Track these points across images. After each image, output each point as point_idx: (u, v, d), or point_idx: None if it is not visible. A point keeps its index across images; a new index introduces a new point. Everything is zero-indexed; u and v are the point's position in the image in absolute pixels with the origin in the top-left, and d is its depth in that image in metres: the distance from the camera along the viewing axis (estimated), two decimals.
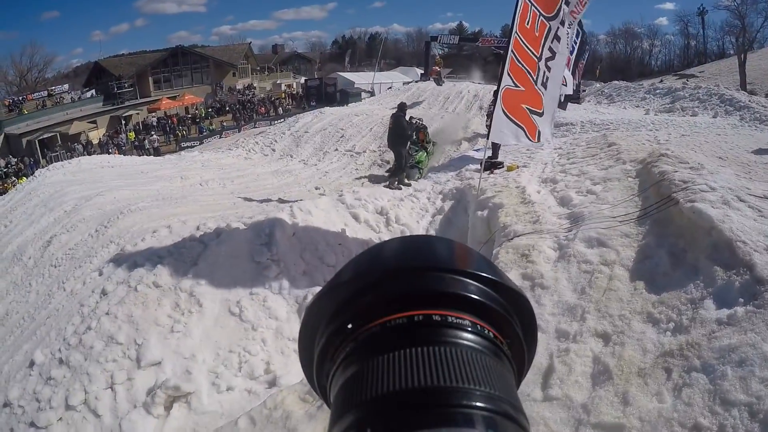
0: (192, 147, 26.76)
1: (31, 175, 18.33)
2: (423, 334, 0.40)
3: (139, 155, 23.19)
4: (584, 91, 25.69)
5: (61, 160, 20.15)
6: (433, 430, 0.32)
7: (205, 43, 45.99)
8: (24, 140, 32.39)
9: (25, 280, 8.75)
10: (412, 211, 8.60)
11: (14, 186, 19.16)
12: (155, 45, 46.41)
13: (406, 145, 10.48)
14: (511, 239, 5.24)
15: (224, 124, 33.84)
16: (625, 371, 2.97)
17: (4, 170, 28.78)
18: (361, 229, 8.05)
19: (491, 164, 8.80)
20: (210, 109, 37.60)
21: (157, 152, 26.51)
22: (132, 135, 32.96)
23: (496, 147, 9.30)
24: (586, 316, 3.52)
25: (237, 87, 42.26)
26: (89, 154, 24.29)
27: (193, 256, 7.01)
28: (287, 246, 7.23)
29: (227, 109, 37.50)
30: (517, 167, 8.72)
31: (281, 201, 10.62)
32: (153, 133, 32.11)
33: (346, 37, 66.15)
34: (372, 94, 32.20)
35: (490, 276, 0.45)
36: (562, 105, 11.08)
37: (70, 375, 5.64)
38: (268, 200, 11.03)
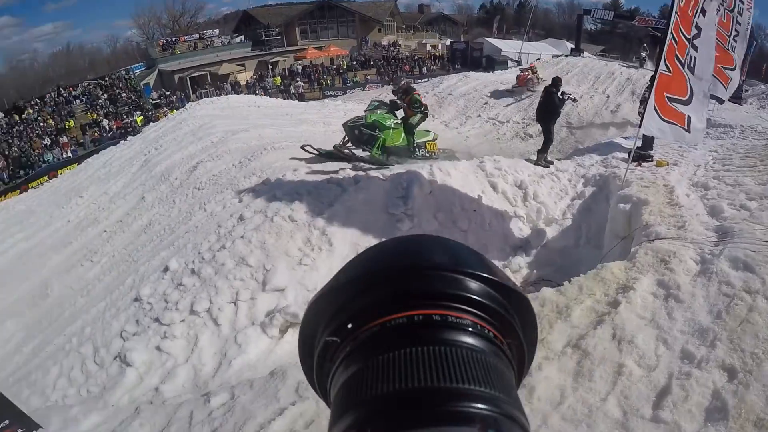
0: (335, 96, 28.22)
1: (182, 107, 20.33)
2: (423, 334, 0.41)
3: (284, 99, 24.62)
4: (747, 91, 23.19)
5: (210, 97, 22.05)
6: (434, 430, 0.34)
7: None
8: (176, 77, 35.88)
9: (170, 197, 9.89)
10: (551, 191, 8.42)
11: (166, 116, 21.32)
12: None
13: (555, 121, 10.18)
14: (652, 241, 5.02)
15: (368, 77, 34.97)
16: (742, 416, 2.79)
17: (157, 101, 32.16)
18: (497, 199, 8.04)
19: (640, 156, 8.35)
20: (354, 62, 38.84)
21: (301, 98, 27.95)
22: (278, 80, 35.08)
23: (649, 138, 8.77)
24: (716, 343, 3.31)
25: (382, 43, 43.21)
26: (237, 94, 26.21)
27: (330, 198, 7.49)
28: (422, 203, 7.44)
29: (371, 63, 38.43)
30: (667, 164, 8.28)
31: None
32: (298, 79, 33.99)
33: (495, 2, 64.24)
34: (519, 63, 31.23)
35: (490, 276, 0.46)
36: (718, 99, 10.00)
37: (200, 284, 6.39)
38: None
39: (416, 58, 39.66)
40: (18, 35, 45.04)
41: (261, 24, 41.00)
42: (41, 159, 25.53)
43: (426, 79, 27.20)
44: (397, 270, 0.46)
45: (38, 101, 33.61)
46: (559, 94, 9.76)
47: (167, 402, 4.53)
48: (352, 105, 19.40)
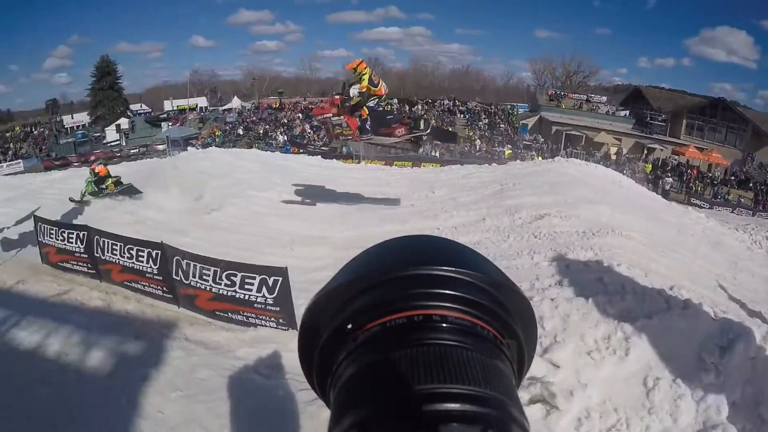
0: (700, 207, 26.06)
1: (550, 158, 21.44)
2: (423, 334, 0.42)
3: (648, 189, 23.78)
4: None
5: (578, 158, 22.76)
6: (434, 430, 0.35)
7: (748, 103, 42.20)
8: (554, 128, 37.78)
9: (507, 231, 10.93)
10: None
11: (532, 159, 22.71)
12: (696, 88, 45.74)
13: None
14: None
15: (741, 200, 31.32)
16: None
17: (528, 143, 34.86)
18: None
19: None
20: (732, 177, 35.00)
21: (665, 195, 26.54)
22: (649, 167, 34.11)
23: None
24: None
25: None
26: (605, 165, 26.31)
27: (649, 309, 7.16)
28: (739, 364, 6.48)
29: (750, 185, 33.85)
30: None
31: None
32: (669, 175, 32.33)
33: None
34: None
35: (490, 276, 0.47)
36: None
37: None
38: (744, 306, 10.05)
39: None
40: (428, 45, 53.15)
41: (649, 105, 40.30)
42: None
43: None
44: (397, 271, 0.47)
45: (429, 102, 38.98)
46: None
47: None
48: (714, 223, 17.65)
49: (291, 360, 6.10)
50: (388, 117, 11.31)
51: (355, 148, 27.00)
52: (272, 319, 7.21)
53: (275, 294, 7.09)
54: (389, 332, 0.43)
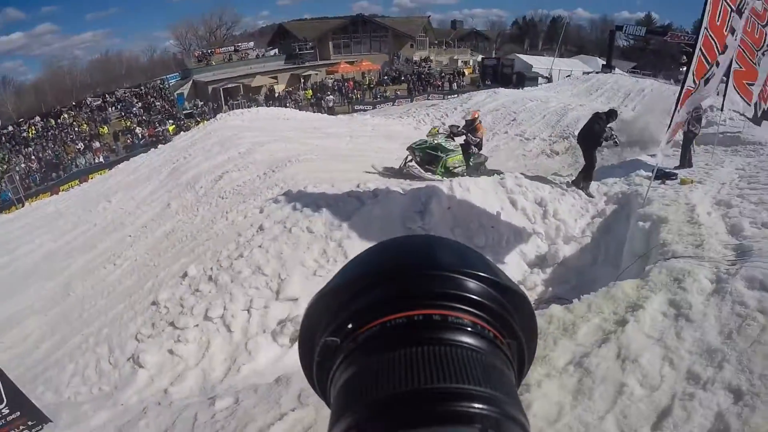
0: (364, 110, 28.78)
1: (213, 118, 20.97)
2: (423, 334, 0.42)
3: (314, 112, 25.05)
4: None
5: (242, 108, 22.71)
6: (434, 430, 0.35)
7: (385, 13, 48.61)
8: (210, 88, 36.96)
9: (194, 205, 10.25)
10: (572, 209, 8.29)
11: (197, 125, 21.96)
12: (338, 12, 50.40)
13: (594, 148, 9.38)
14: (668, 259, 5.01)
15: (398, 92, 35.39)
16: None
17: (189, 111, 33.20)
18: (516, 215, 8.02)
19: (664, 174, 8.39)
20: (385, 77, 39.53)
21: (331, 111, 28.52)
22: (309, 93, 35.97)
23: (685, 156, 9.19)
24: (724, 364, 3.26)
25: (414, 59, 43.82)
26: (267, 105, 26.80)
27: (348, 211, 7.67)
28: (440, 218, 7.54)
29: (402, 79, 38.82)
30: (692, 182, 8.25)
31: None
32: (329, 93, 34.61)
33: (527, 18, 64.38)
34: (549, 80, 32.33)
35: (489, 275, 0.47)
36: (756, 121, 10.44)
37: (216, 291, 6.66)
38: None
39: (443, 74, 39.79)
40: (59, 42, 47.49)
41: (296, 38, 42.20)
42: (74, 163, 26.35)
43: (455, 95, 27.57)
44: (396, 270, 0.47)
45: (74, 107, 34.94)
46: (607, 126, 9.15)
47: (174, 403, 4.69)
48: (380, 119, 19.68)
49: None
50: None
51: (12, 190, 23.07)
52: (20, 428, 5.79)
53: (5, 400, 5.66)
54: (389, 332, 0.42)
